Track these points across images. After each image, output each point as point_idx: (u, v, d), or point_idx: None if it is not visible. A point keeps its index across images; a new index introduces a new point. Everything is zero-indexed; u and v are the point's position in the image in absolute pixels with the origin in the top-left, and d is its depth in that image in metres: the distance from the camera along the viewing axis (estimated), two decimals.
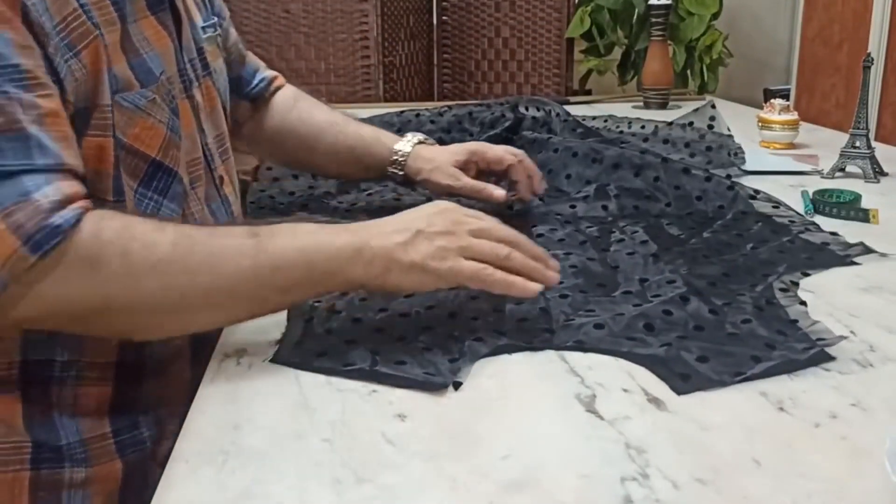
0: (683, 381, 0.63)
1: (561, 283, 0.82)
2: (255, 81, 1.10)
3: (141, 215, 0.67)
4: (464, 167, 1.05)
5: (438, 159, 1.05)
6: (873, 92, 2.08)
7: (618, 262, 0.88)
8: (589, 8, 2.43)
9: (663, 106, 1.93)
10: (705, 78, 2.32)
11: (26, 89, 0.63)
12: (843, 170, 1.27)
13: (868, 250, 0.91)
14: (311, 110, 1.12)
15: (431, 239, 0.69)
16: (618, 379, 0.65)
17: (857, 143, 1.26)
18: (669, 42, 2.12)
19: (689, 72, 2.33)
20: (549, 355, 0.69)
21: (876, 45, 2.23)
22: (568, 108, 1.53)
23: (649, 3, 1.95)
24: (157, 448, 0.79)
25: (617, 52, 2.68)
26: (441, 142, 1.37)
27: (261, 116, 1.11)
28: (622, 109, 1.89)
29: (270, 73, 1.13)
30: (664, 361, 0.66)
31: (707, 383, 0.63)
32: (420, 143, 1.08)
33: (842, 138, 1.30)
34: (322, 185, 1.21)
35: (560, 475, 0.53)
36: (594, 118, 1.56)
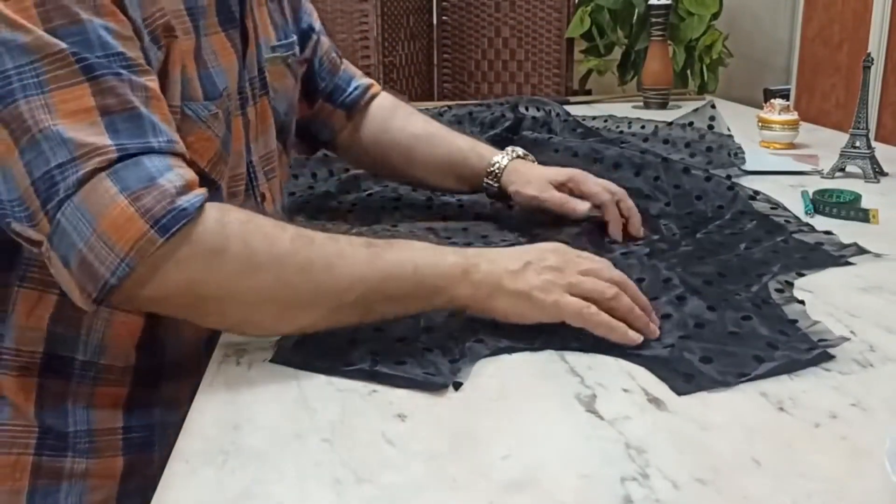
0: (687, 381, 0.63)
1: None
2: (350, 89, 1.09)
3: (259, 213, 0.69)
4: (557, 189, 1.00)
5: (532, 174, 1.02)
6: (873, 92, 2.08)
7: (615, 262, 0.88)
8: (589, 8, 2.43)
9: (663, 106, 1.93)
10: (705, 78, 2.32)
11: (135, 73, 0.65)
12: (843, 170, 1.27)
13: (862, 251, 0.91)
14: (408, 119, 1.10)
15: (540, 272, 0.70)
16: (618, 379, 0.65)
17: (857, 143, 1.26)
18: (669, 42, 2.12)
19: (689, 72, 2.33)
20: (549, 355, 0.69)
21: (876, 45, 2.23)
22: (568, 108, 1.53)
23: (649, 3, 1.95)
24: (162, 451, 0.80)
25: (617, 52, 2.68)
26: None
27: (357, 125, 1.10)
28: (622, 109, 1.89)
29: (366, 80, 1.12)
30: (667, 362, 0.66)
31: (711, 384, 0.63)
32: (519, 157, 1.05)
33: (842, 138, 1.30)
34: (322, 185, 1.21)
35: (560, 475, 0.53)
36: (594, 118, 1.56)
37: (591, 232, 0.99)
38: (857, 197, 1.11)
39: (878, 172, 1.26)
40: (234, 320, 0.68)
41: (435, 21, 2.63)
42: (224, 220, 0.64)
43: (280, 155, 0.94)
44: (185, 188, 0.63)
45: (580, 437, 0.57)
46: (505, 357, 0.69)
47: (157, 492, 0.53)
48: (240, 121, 0.83)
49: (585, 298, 0.69)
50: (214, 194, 0.77)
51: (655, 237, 0.98)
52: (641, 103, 1.98)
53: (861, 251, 0.91)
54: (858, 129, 1.26)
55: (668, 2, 1.93)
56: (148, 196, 0.61)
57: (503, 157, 1.05)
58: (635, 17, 2.44)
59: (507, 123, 1.40)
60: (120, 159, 0.62)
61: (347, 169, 1.25)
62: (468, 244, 0.95)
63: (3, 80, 0.62)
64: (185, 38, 0.74)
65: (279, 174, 0.95)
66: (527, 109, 1.46)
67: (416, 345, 0.70)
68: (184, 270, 0.63)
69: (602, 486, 0.51)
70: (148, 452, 0.79)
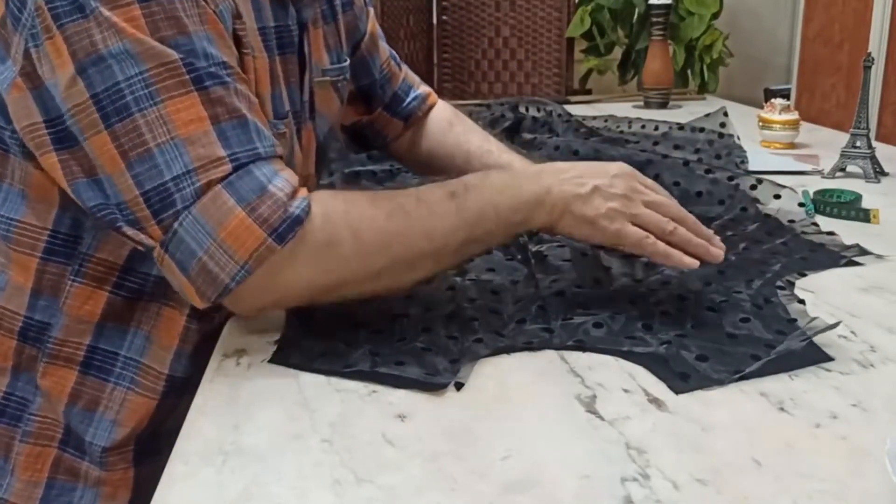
0: (683, 380, 0.63)
1: (555, 279, 0.82)
2: (409, 99, 1.08)
3: (348, 187, 0.72)
4: None
5: None
6: (874, 92, 2.08)
7: (611, 265, 0.88)
8: (589, 7, 2.43)
9: (663, 105, 1.93)
10: (705, 77, 2.32)
11: (237, 81, 0.68)
12: (843, 169, 1.27)
13: (863, 251, 0.91)
14: (465, 135, 1.09)
15: (607, 198, 0.73)
16: (618, 379, 0.65)
17: (858, 143, 1.26)
18: (669, 42, 2.12)
19: (689, 71, 2.33)
20: (549, 355, 0.69)
21: (876, 44, 2.22)
22: (568, 107, 1.53)
23: (649, 2, 1.95)
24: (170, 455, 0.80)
25: (617, 52, 2.67)
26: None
27: (415, 135, 1.10)
28: (622, 109, 1.89)
29: (424, 89, 1.12)
30: (664, 360, 0.66)
31: (706, 382, 0.63)
32: None
33: (842, 138, 1.30)
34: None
35: (560, 475, 0.52)
36: (594, 118, 1.56)
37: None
38: (858, 197, 1.11)
39: (879, 172, 1.26)
40: (354, 296, 0.71)
41: (435, 21, 2.63)
42: (328, 213, 0.67)
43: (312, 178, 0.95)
44: (293, 193, 0.66)
45: (580, 438, 0.57)
46: (505, 357, 0.69)
47: (157, 491, 0.53)
48: (297, 146, 0.85)
49: (645, 229, 0.72)
50: None
51: None
52: (642, 103, 1.98)
53: (863, 252, 0.91)
54: (859, 128, 1.26)
55: (669, 1, 1.94)
56: (263, 206, 0.64)
57: None
58: (635, 17, 2.44)
59: (507, 123, 1.40)
60: (234, 170, 0.65)
61: (347, 170, 1.25)
62: None
63: (116, 94, 0.64)
64: (260, 56, 0.76)
65: None
66: (527, 110, 1.46)
67: (415, 345, 0.70)
68: (302, 271, 0.66)
69: (602, 486, 0.51)
70: (157, 460, 0.80)
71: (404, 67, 1.11)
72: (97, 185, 0.67)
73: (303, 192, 0.68)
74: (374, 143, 1.12)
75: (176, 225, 0.65)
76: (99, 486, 0.79)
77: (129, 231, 0.67)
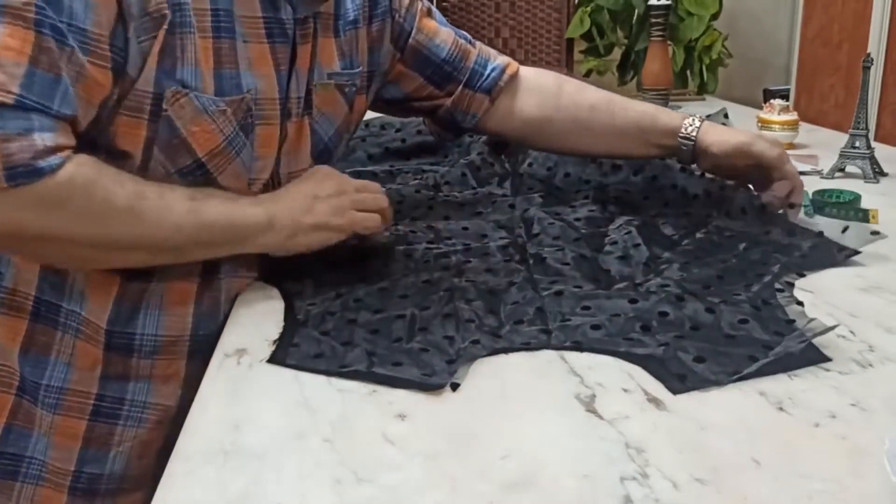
0: (680, 381, 0.63)
1: (554, 280, 0.82)
2: (488, 72, 1.07)
3: (110, 164, 0.73)
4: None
5: (730, 130, 1.04)
6: (873, 92, 2.08)
7: (609, 267, 0.88)
8: (589, 8, 2.43)
9: (663, 106, 1.93)
10: (705, 78, 2.32)
11: (82, 51, 0.69)
12: (842, 170, 1.27)
13: (856, 252, 0.91)
14: (581, 93, 1.09)
15: (327, 201, 0.82)
16: (618, 379, 0.65)
17: (857, 144, 1.26)
18: (669, 42, 2.12)
19: (688, 72, 2.33)
20: (549, 355, 0.69)
21: (875, 45, 2.22)
22: None
23: (649, 3, 1.95)
24: (126, 426, 0.82)
25: (617, 53, 2.67)
26: (440, 142, 1.37)
27: (511, 106, 1.09)
28: None
29: (503, 60, 1.09)
30: (661, 361, 0.66)
31: (703, 383, 0.63)
32: (703, 119, 1.05)
33: (841, 138, 1.30)
34: None
35: (560, 475, 0.53)
36: None
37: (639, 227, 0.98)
38: (857, 197, 1.12)
39: (878, 172, 1.26)
40: (63, 258, 0.75)
41: None
42: (73, 176, 0.68)
43: None
44: (54, 149, 0.67)
45: (580, 437, 0.57)
46: (504, 357, 0.69)
47: (158, 492, 0.53)
48: (274, 130, 0.85)
49: (367, 210, 0.84)
50: (208, 184, 0.79)
51: (653, 239, 0.97)
52: None
53: (855, 252, 0.91)
54: (858, 129, 1.26)
55: (668, 2, 1.94)
56: (16, 143, 0.65)
57: (693, 118, 1.04)
58: (635, 18, 2.43)
59: None
60: (13, 107, 0.65)
61: (347, 170, 1.25)
62: (467, 245, 0.95)
63: None
64: (203, 35, 0.76)
65: None
66: None
67: (412, 346, 0.70)
68: (16, 214, 0.67)
69: (602, 485, 0.51)
70: (112, 423, 0.82)
71: (478, 44, 1.10)
72: None
73: (64, 153, 0.68)
74: (464, 125, 1.10)
75: None
76: (50, 436, 0.80)
77: None
